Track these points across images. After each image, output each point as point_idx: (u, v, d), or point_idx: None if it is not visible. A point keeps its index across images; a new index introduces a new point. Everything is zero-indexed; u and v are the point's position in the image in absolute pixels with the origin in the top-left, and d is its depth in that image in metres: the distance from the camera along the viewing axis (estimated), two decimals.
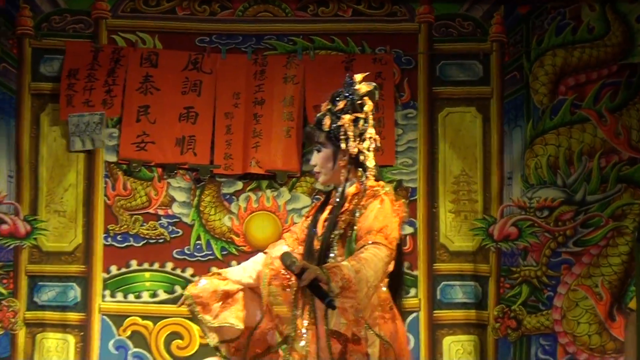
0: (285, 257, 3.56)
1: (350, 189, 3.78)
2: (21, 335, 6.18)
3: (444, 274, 6.23)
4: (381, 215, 3.66)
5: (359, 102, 3.81)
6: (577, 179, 6.19)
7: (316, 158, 3.83)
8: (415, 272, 6.22)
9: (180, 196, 6.31)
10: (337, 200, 3.78)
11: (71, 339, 6.20)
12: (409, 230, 6.22)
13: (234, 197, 6.34)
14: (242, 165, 6.27)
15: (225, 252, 6.30)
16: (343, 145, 3.77)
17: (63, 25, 6.34)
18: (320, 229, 3.81)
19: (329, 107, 3.82)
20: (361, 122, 3.79)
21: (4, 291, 6.17)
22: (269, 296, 3.76)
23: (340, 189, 3.80)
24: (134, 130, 6.27)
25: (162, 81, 6.31)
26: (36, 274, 6.23)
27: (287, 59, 6.35)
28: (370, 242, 3.57)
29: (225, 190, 6.34)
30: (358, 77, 3.85)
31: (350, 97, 3.81)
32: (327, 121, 3.79)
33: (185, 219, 6.31)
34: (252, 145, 6.28)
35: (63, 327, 6.21)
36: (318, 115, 3.85)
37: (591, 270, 6.13)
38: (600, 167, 6.17)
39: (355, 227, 3.65)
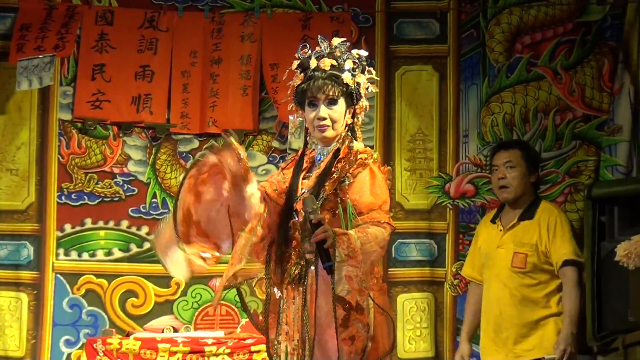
0: (307, 202, 3.51)
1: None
2: None
3: (399, 232, 6.09)
4: (377, 189, 3.64)
5: (364, 64, 3.76)
6: (533, 136, 6.17)
7: (330, 112, 3.68)
8: None
9: (136, 154, 6.25)
10: (328, 161, 3.68)
11: (24, 298, 6.14)
12: None
13: (190, 155, 6.26)
14: (199, 124, 6.22)
15: None
16: (363, 103, 3.74)
17: None
18: (299, 191, 3.71)
19: (333, 63, 3.70)
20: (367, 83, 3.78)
21: None
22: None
23: (329, 149, 3.72)
24: (89, 88, 6.20)
25: (118, 39, 6.24)
26: None
27: (244, 17, 6.29)
28: (375, 220, 3.58)
29: (181, 148, 6.27)
30: (336, 40, 3.76)
31: (357, 59, 3.74)
32: (347, 76, 3.69)
33: (141, 177, 6.25)
34: (209, 104, 6.22)
35: (16, 285, 6.15)
36: (328, 70, 3.68)
37: None
38: (555, 124, 6.15)
39: (346, 197, 3.59)
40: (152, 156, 6.25)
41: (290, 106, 3.84)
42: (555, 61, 6.15)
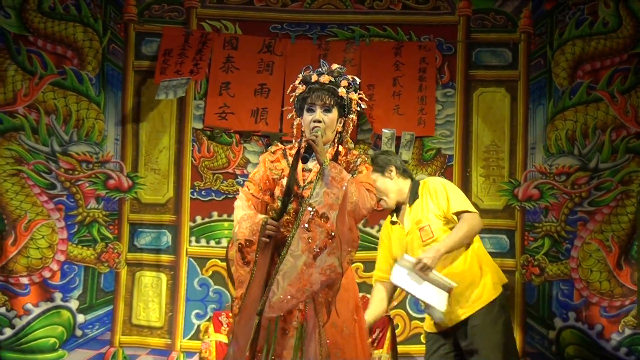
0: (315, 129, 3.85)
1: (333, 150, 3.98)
2: (123, 273, 6.49)
3: None
4: (370, 179, 3.98)
5: (357, 87, 4.03)
6: (591, 150, 6.37)
7: (324, 117, 3.91)
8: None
9: (254, 158, 6.57)
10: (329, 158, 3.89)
11: (163, 277, 6.52)
12: None
13: None
14: None
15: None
16: (352, 116, 3.98)
17: (161, 13, 6.67)
18: (301, 178, 3.94)
19: (331, 79, 3.96)
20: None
21: (110, 236, 6.48)
22: None
23: (326, 148, 3.90)
24: (217, 102, 6.58)
25: (241, 62, 6.61)
26: (136, 222, 6.55)
27: (346, 44, 6.63)
28: (368, 186, 3.90)
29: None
30: (335, 65, 4.05)
31: (351, 81, 4.01)
32: (342, 90, 3.93)
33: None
34: None
35: (157, 267, 6.52)
36: (326, 82, 3.93)
37: (603, 226, 6.32)
38: (611, 139, 6.35)
39: None
40: None
41: (290, 115, 4.06)
42: (612, 86, 6.36)
